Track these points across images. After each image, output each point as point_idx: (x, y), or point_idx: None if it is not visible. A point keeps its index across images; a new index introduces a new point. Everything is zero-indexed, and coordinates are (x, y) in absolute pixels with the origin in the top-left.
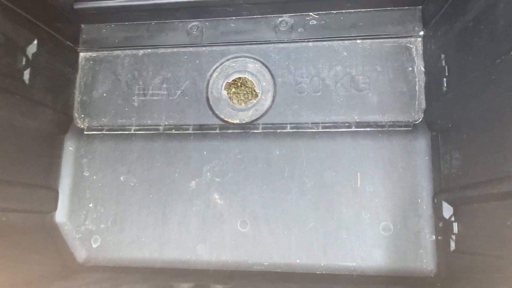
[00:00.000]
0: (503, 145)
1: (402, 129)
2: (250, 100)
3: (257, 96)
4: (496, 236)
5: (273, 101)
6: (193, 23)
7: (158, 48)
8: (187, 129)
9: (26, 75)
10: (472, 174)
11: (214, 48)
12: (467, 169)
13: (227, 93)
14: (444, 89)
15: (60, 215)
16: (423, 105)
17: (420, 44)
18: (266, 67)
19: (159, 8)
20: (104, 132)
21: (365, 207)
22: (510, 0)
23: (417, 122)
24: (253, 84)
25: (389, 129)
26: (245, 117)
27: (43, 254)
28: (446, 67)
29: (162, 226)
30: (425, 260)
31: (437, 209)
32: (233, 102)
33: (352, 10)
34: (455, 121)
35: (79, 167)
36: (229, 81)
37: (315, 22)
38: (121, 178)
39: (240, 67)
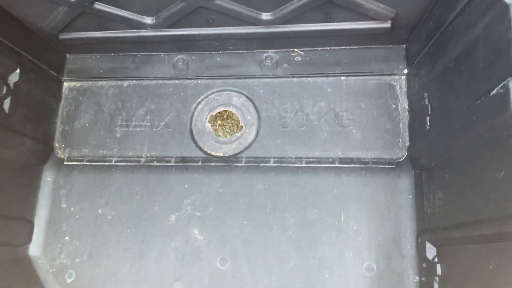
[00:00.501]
0: (483, 187)
1: (385, 166)
2: (235, 132)
3: (241, 129)
4: (479, 279)
5: (257, 134)
6: (179, 56)
7: (143, 79)
8: (169, 161)
9: (6, 104)
10: (454, 215)
11: (199, 81)
12: (449, 210)
13: (213, 125)
14: (427, 127)
15: (34, 248)
16: (407, 143)
17: (404, 82)
18: (251, 101)
19: (145, 41)
20: (84, 163)
21: (348, 246)
22: (488, 43)
23: (401, 159)
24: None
25: (373, 166)
26: (228, 150)
27: None
28: (429, 105)
29: (139, 261)
30: None
31: (420, 250)
32: (218, 134)
33: (336, 47)
34: (438, 160)
35: (56, 198)
36: (215, 114)
37: (300, 58)
38: (99, 210)
39: (225, 100)
